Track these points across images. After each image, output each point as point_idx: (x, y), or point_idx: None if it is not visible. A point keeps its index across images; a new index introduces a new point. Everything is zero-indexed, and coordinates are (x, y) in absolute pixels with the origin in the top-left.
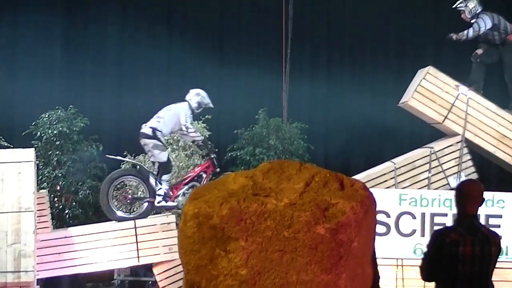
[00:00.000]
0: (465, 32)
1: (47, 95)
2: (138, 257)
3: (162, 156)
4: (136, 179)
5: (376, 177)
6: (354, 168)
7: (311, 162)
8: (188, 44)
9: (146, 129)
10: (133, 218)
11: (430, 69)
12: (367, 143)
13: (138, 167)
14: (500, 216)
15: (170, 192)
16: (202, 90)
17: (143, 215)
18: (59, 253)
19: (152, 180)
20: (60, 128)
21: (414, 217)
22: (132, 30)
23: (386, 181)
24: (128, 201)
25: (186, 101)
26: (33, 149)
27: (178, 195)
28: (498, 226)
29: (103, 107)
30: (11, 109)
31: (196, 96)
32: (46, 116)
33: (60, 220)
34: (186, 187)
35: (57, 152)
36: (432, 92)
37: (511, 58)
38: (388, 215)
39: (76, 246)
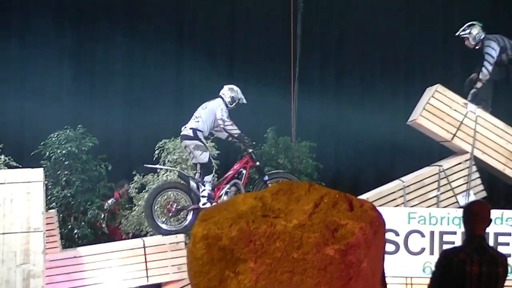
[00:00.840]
0: (485, 72)
1: (56, 115)
2: (147, 276)
3: (204, 157)
4: (177, 190)
5: (385, 195)
6: (363, 186)
7: (320, 181)
8: (197, 62)
9: (186, 130)
10: (180, 231)
11: (439, 87)
12: (376, 161)
13: (177, 173)
14: (509, 234)
15: (212, 193)
16: (235, 86)
17: (189, 226)
18: (68, 273)
19: (193, 184)
20: (69, 148)
21: (423, 235)
22: (140, 49)
23: (395, 199)
24: (172, 213)
25: (220, 96)
26: (42, 169)
27: (221, 195)
28: (507, 244)
29: (112, 126)
30: (20, 129)
31: (229, 91)
32: (55, 136)
33: (69, 240)
34: (228, 185)
35: (66, 172)
36: (440, 110)
37: None
38: (397, 234)
39: (85, 266)
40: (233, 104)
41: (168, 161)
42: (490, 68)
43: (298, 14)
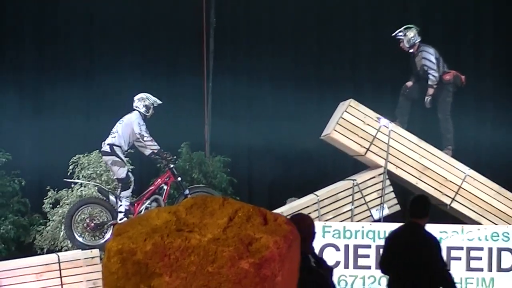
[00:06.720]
0: (432, 78)
1: None
2: None
3: (121, 172)
4: (98, 205)
5: (299, 210)
6: (277, 200)
7: (234, 196)
8: (109, 75)
9: (104, 147)
10: (97, 246)
11: (352, 101)
12: (290, 176)
13: (97, 188)
14: None
15: (132, 209)
16: (144, 93)
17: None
18: None
19: (112, 199)
20: None
21: (338, 249)
22: (50, 60)
23: (309, 213)
24: (90, 229)
25: (134, 109)
26: None
27: (141, 210)
28: None
29: (25, 141)
30: None
31: (140, 101)
32: None
33: None
34: (148, 201)
35: None
36: (353, 125)
37: (444, 97)
38: None
39: None
40: (150, 111)
41: (83, 176)
42: (435, 73)
43: (210, 28)
